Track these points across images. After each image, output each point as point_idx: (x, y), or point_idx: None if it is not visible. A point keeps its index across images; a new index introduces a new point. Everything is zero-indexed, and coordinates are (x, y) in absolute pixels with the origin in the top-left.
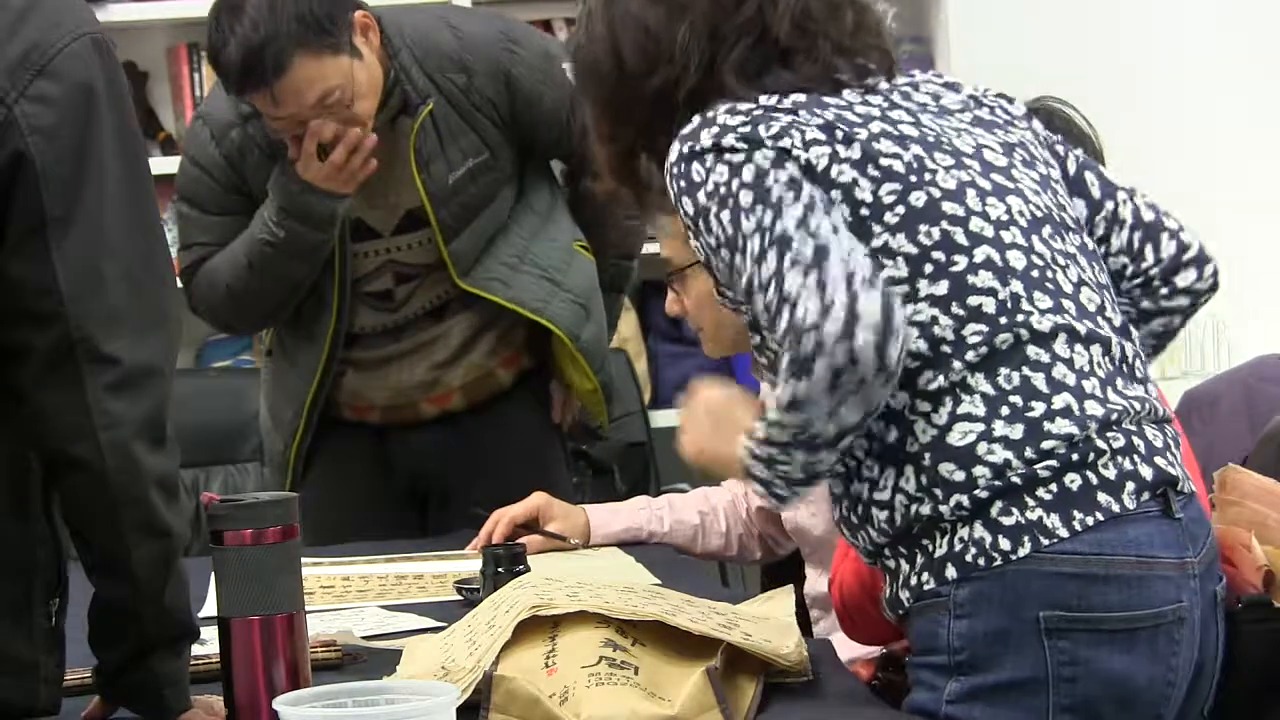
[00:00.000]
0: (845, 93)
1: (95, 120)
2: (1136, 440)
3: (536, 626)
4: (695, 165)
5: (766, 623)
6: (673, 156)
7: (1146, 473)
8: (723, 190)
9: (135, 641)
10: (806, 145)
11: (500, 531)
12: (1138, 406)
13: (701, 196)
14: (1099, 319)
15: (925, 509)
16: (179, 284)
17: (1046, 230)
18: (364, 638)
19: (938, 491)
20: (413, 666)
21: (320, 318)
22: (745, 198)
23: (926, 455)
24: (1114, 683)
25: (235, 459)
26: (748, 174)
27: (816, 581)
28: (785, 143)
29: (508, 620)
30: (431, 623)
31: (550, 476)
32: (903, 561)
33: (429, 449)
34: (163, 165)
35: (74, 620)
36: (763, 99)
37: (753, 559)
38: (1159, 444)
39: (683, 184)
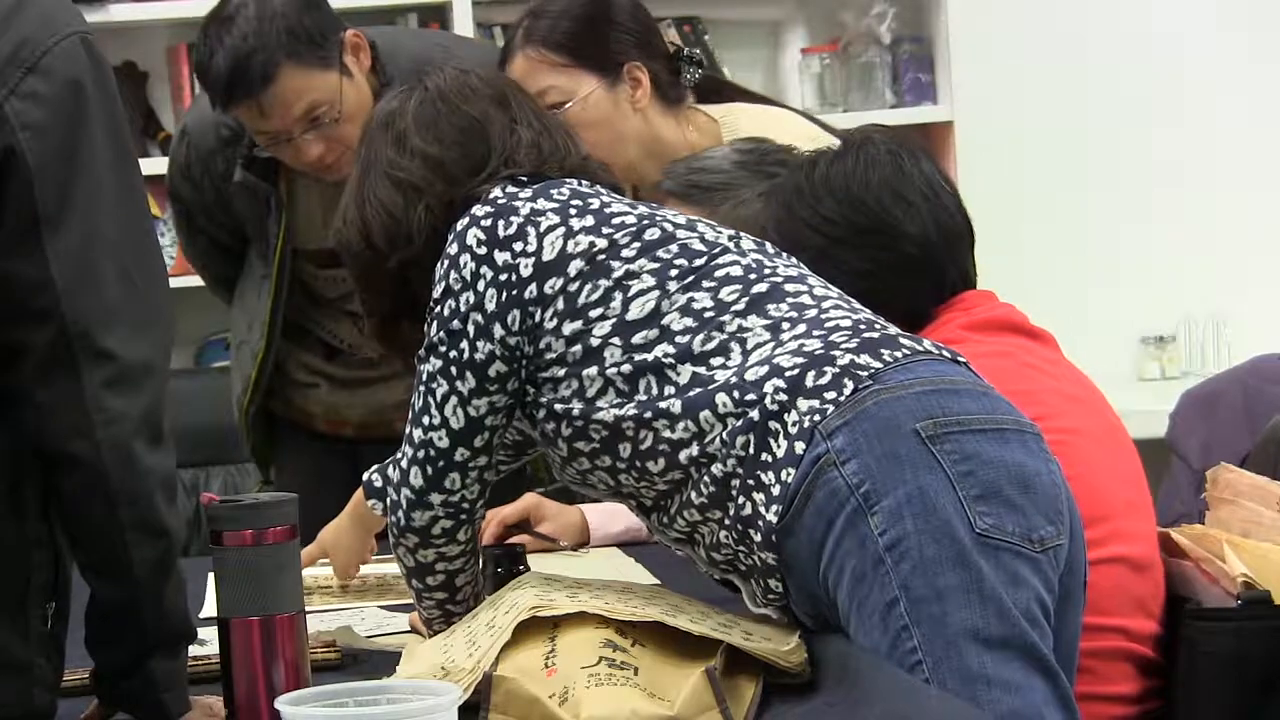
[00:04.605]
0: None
1: (86, 117)
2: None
3: (536, 627)
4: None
5: (766, 623)
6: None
7: (946, 354)
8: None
9: (134, 644)
10: (541, 237)
11: (491, 532)
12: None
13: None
14: (840, 297)
15: (752, 413)
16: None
17: (778, 251)
18: (364, 638)
19: (750, 395)
20: (413, 666)
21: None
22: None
23: (734, 377)
24: (1007, 466)
25: (235, 459)
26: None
27: None
28: (519, 245)
29: (507, 621)
30: None
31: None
32: (754, 493)
33: None
34: (162, 165)
35: (72, 621)
36: (510, 189)
37: None
38: None
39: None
